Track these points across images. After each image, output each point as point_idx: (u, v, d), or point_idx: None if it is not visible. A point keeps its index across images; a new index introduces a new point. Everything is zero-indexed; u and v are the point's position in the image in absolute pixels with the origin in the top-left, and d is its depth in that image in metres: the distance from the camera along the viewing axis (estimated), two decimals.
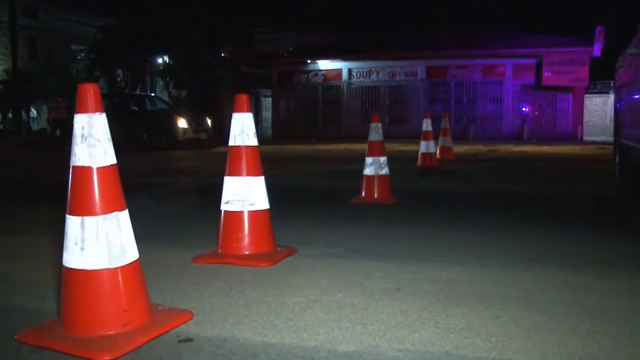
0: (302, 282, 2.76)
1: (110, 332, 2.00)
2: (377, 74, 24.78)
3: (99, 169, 2.01)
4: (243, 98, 3.14)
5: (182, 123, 15.91)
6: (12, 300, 2.57)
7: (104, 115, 2.05)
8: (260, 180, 3.16)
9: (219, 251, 3.15)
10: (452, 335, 2.09)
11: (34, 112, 32.83)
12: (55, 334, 2.04)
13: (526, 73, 22.59)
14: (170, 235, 4.06)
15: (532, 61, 22.17)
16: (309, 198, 6.27)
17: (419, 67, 24.12)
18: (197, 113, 17.71)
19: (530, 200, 5.90)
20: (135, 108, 16.76)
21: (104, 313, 2.00)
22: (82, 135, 2.02)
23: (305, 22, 28.88)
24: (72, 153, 2.03)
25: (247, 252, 3.10)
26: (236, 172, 3.12)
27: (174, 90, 27.05)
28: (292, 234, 3.89)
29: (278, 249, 3.24)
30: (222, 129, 18.27)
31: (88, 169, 2.01)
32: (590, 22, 20.48)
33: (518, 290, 2.63)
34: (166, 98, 24.00)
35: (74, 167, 2.02)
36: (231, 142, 3.13)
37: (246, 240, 3.10)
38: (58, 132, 17.54)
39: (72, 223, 2.02)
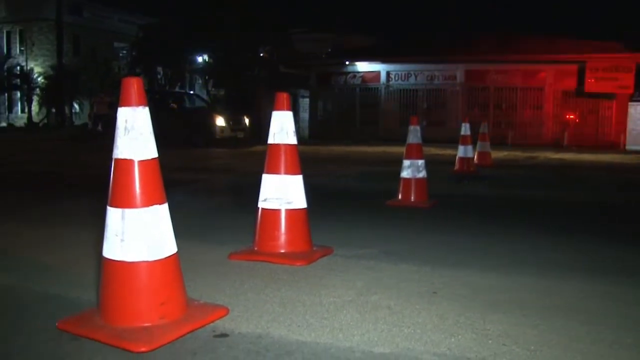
0: (337, 283, 2.75)
1: (146, 324, 2.02)
2: (416, 77, 24.63)
3: (140, 162, 2.03)
4: (283, 96, 3.14)
5: (220, 121, 16.03)
6: (53, 289, 2.61)
7: (146, 109, 2.06)
8: (299, 179, 3.15)
9: (255, 248, 3.16)
10: (490, 341, 2.05)
11: (76, 107, 33.55)
12: (94, 323, 2.07)
13: (568, 79, 22.15)
14: (206, 231, 4.09)
15: (574, 67, 21.73)
16: (345, 199, 6.24)
17: (458, 71, 23.89)
18: (235, 112, 17.83)
19: (569, 208, 5.77)
20: (175, 105, 16.94)
21: (141, 305, 2.02)
22: (125, 128, 2.04)
23: (343, 24, 28.87)
24: (114, 145, 2.05)
25: (283, 251, 3.10)
26: (274, 170, 3.13)
27: (212, 89, 27.30)
28: (327, 234, 3.87)
29: (314, 248, 3.23)
30: (260, 128, 18.35)
31: (130, 162, 2.03)
32: (638, 28, 20.00)
33: (558, 299, 2.56)
34: (205, 96, 24.23)
35: (116, 159, 2.05)
36: (270, 140, 3.14)
37: (282, 238, 3.10)
38: (100, 127, 17.86)
39: (113, 215, 2.04)
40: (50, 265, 3.09)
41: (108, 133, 17.42)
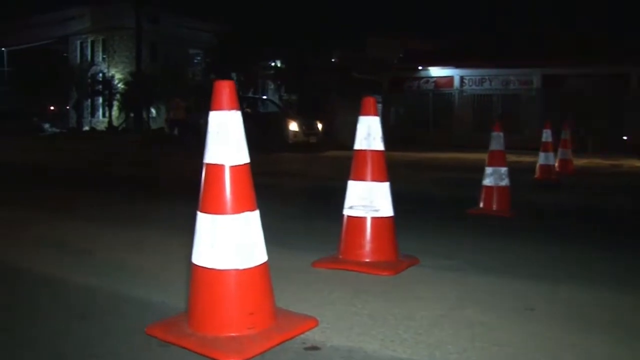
0: (427, 295, 2.63)
1: (234, 334, 1.96)
2: (490, 82, 24.11)
3: (231, 167, 1.98)
4: (370, 101, 3.06)
5: (293, 126, 16.11)
6: (139, 292, 2.61)
7: (239, 113, 2.02)
8: (385, 186, 3.05)
9: (340, 257, 3.07)
10: None
11: (153, 112, 34.61)
12: (182, 330, 2.03)
13: None
14: (286, 236, 4.03)
15: None
16: (424, 206, 6.08)
17: (535, 76, 23.19)
18: (308, 117, 17.89)
19: None
20: (249, 110, 17.15)
21: (230, 314, 1.97)
22: (217, 133, 2.00)
23: (415, 29, 28.57)
24: (205, 150, 2.01)
25: (368, 260, 3.00)
26: (361, 177, 3.04)
27: (284, 94, 27.56)
28: (408, 242, 3.74)
29: (400, 258, 3.11)
30: (333, 133, 18.35)
31: (221, 167, 1.98)
32: None
33: None
34: (277, 101, 24.48)
35: (207, 164, 2.01)
36: (357, 146, 3.05)
37: (368, 247, 3.00)
38: (176, 131, 18.30)
39: (203, 221, 2.00)
40: (136, 267, 3.11)
41: (184, 137, 17.90)
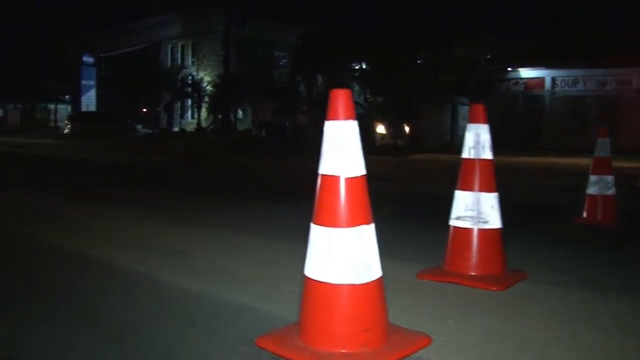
0: (540, 314, 2.48)
1: (348, 351, 1.91)
2: (584, 83, 23.09)
3: (347, 179, 1.93)
4: (479, 108, 2.94)
5: (380, 129, 16.03)
6: (242, 299, 2.61)
7: (355, 123, 1.96)
8: (494, 197, 2.92)
9: (445, 268, 2.97)
10: None
11: (240, 114, 35.40)
12: (293, 343, 2.00)
13: None
14: (386, 245, 3.94)
15: None
16: (522, 214, 5.84)
17: (634, 76, 21.98)
18: (395, 119, 17.74)
19: None
20: None
21: (345, 330, 1.92)
22: (332, 142, 1.95)
23: (502, 28, 27.77)
24: (320, 161, 1.97)
25: (474, 273, 2.89)
26: (468, 187, 2.92)
27: (370, 96, 27.47)
28: (512, 253, 3.58)
29: (508, 271, 2.97)
30: (419, 136, 18.11)
31: (336, 179, 1.94)
32: None
33: None
34: (362, 103, 24.44)
35: (322, 175, 1.97)
36: (465, 155, 2.94)
37: (475, 259, 2.88)
38: (263, 133, 18.60)
39: (317, 233, 1.96)
40: (235, 273, 3.13)
41: (271, 139, 18.18)
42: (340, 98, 1.97)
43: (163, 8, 41.01)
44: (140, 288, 2.83)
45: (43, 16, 46.29)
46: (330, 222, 1.93)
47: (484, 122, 2.93)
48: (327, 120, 1.97)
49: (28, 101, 47.27)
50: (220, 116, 33.43)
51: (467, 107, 25.03)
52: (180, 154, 16.52)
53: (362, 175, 1.96)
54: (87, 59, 42.63)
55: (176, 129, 37.83)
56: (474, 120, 2.94)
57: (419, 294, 2.73)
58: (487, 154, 2.92)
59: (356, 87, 29.22)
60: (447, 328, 2.27)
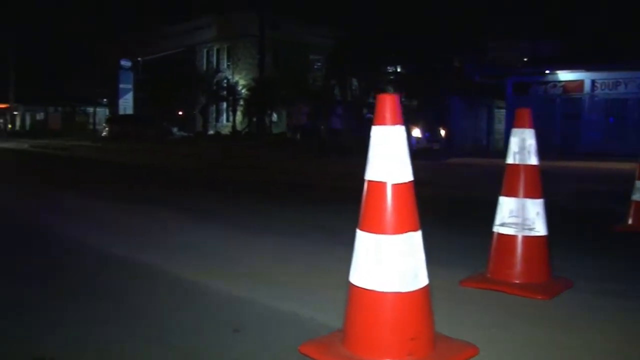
0: (586, 324, 2.41)
1: (393, 359, 1.88)
2: (625, 85, 22.54)
3: (394, 185, 1.91)
4: (525, 112, 2.89)
5: (415, 132, 15.94)
6: (286, 305, 2.60)
7: (402, 128, 1.94)
8: (539, 204, 2.86)
9: (488, 275, 2.92)
10: None
11: (275, 117, 35.54)
12: (337, 351, 1.98)
13: None
14: (427, 251, 3.90)
15: None
16: (564, 220, 5.72)
17: None
18: (430, 123, 17.63)
19: None
20: (371, 115, 17.13)
21: (390, 338, 1.89)
22: (379, 148, 1.93)
23: (538, 30, 27.30)
24: (367, 166, 1.96)
25: (518, 281, 2.83)
26: (513, 193, 2.87)
27: (404, 100, 27.32)
28: (558, 261, 3.50)
29: (553, 280, 2.90)
30: (454, 139, 17.94)
31: (383, 185, 1.91)
32: None
33: None
34: None
35: (368, 181, 1.95)
36: (509, 160, 2.89)
37: (519, 267, 2.83)
38: (298, 136, 18.66)
39: (363, 240, 1.94)
40: (281, 279, 3.12)
41: (306, 142, 18.22)
42: (388, 103, 1.95)
43: (200, 12, 41.53)
44: (184, 292, 2.85)
45: (82, 20, 47.21)
46: (377, 228, 1.91)
47: (530, 127, 2.88)
48: (374, 125, 1.96)
49: (68, 104, 48.42)
50: (255, 119, 33.62)
51: (502, 110, 24.71)
52: (218, 157, 16.67)
53: (409, 182, 1.94)
54: (125, 63, 43.47)
55: (211, 132, 38.19)
56: (519, 125, 2.88)
57: (462, 301, 2.68)
58: (533, 160, 2.86)
59: (391, 90, 29.11)
60: (492, 338, 2.22)
